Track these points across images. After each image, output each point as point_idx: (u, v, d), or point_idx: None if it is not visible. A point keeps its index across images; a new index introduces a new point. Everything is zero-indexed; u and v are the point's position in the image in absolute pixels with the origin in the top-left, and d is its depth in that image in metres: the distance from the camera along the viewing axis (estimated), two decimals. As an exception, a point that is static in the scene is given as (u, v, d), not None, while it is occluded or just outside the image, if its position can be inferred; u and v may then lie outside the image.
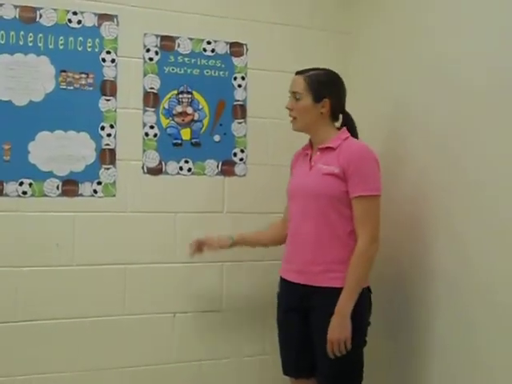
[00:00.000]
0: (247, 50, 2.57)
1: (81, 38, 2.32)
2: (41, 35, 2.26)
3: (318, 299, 2.01)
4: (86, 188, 2.32)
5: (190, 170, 2.48)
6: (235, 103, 2.55)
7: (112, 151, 2.36)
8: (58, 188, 2.28)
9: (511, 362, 1.70)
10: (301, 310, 2.08)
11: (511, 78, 1.72)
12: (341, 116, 2.17)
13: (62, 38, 2.29)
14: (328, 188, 2.02)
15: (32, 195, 2.25)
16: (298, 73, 2.15)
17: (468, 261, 1.89)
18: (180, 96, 2.47)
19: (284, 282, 2.17)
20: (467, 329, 1.89)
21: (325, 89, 2.09)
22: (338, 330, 1.93)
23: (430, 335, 2.07)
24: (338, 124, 2.17)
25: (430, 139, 2.10)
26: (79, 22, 2.31)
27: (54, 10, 2.27)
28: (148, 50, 2.42)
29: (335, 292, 1.95)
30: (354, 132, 2.14)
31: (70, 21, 2.30)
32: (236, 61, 2.55)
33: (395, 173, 2.29)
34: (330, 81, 2.12)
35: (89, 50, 2.33)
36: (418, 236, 2.16)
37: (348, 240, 2.01)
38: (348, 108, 2.18)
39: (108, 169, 2.36)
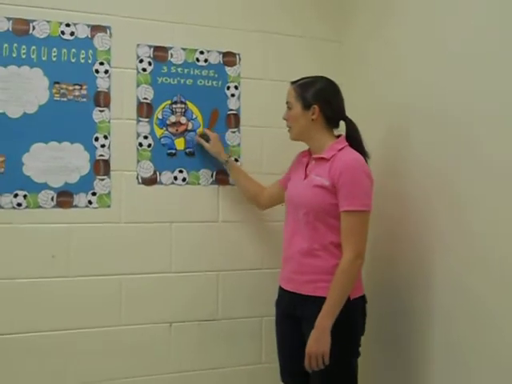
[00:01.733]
0: (240, 59, 2.58)
1: (74, 50, 2.32)
2: (34, 47, 2.26)
3: (306, 309, 2.01)
4: (80, 199, 2.32)
5: (184, 179, 2.48)
6: (229, 112, 2.56)
7: (106, 162, 2.36)
8: (52, 199, 2.28)
9: None
10: (295, 317, 2.08)
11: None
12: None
13: (55, 49, 2.29)
14: (317, 200, 2.01)
15: (27, 207, 2.25)
16: (291, 83, 2.16)
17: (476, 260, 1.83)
18: (174, 106, 2.48)
19: (280, 289, 2.19)
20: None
21: (313, 95, 2.08)
22: (316, 344, 1.90)
23: (429, 343, 2.06)
24: (339, 131, 2.14)
25: (430, 145, 2.06)
26: (72, 33, 2.31)
27: (47, 22, 2.27)
28: (141, 61, 2.43)
29: (323, 302, 1.93)
30: (355, 139, 2.08)
31: (62, 32, 2.30)
32: (229, 70, 2.56)
33: (394, 178, 2.28)
34: (319, 87, 2.09)
35: (82, 61, 2.33)
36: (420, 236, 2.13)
37: (336, 251, 1.99)
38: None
39: (102, 180, 2.36)
